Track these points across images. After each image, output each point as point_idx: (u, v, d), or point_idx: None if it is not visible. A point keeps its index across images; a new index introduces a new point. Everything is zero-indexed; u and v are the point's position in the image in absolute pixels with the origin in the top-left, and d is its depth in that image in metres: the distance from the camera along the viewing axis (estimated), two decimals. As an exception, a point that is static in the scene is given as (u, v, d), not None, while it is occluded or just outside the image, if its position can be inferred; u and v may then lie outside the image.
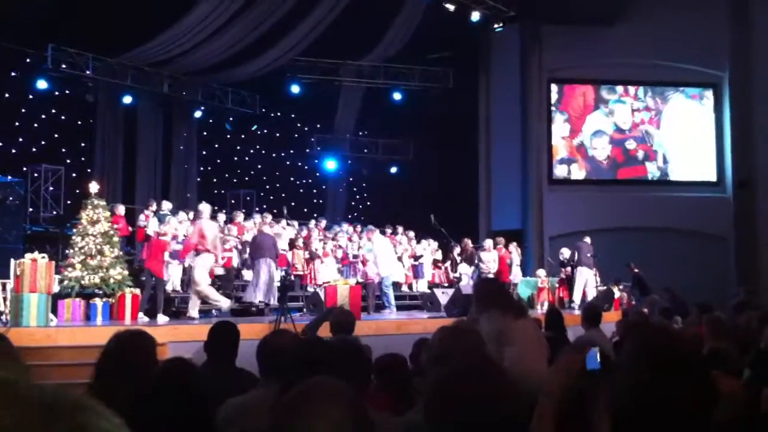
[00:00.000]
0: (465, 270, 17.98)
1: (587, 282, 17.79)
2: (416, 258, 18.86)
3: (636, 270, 18.80)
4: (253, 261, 14.32)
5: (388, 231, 18.59)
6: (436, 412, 1.78)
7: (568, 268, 18.31)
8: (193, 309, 12.41)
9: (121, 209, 15.24)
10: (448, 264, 19.19)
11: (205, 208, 12.92)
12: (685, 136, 24.08)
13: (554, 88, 23.89)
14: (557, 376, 2.20)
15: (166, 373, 2.35)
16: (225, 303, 12.85)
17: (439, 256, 19.37)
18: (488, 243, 17.70)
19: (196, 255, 12.57)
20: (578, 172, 23.84)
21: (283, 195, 23.83)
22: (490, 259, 17.26)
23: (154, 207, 14.54)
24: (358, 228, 18.83)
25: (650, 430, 1.69)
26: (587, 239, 18.29)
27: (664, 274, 18.55)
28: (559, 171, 23.74)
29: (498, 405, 1.70)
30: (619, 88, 24.11)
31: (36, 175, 18.72)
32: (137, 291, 12.85)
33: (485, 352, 3.09)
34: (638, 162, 23.96)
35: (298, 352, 3.00)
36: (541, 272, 18.69)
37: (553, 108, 23.84)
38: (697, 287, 17.16)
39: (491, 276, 16.97)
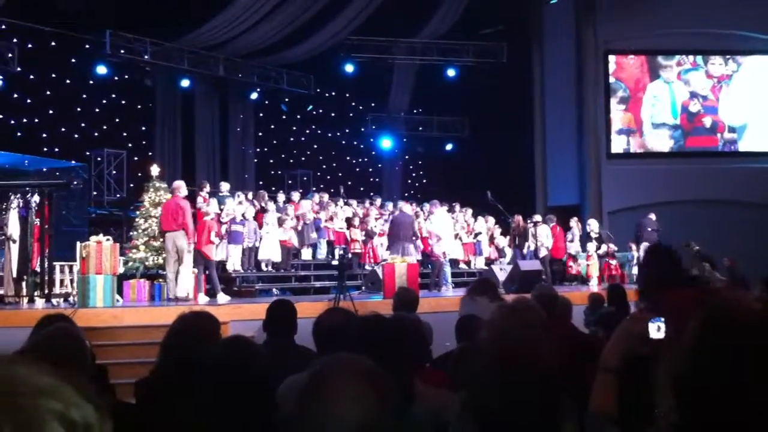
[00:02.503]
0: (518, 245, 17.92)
1: None
2: (474, 235, 18.77)
3: (696, 248, 18.00)
4: (391, 244, 14.71)
5: (445, 208, 18.50)
6: (476, 384, 1.79)
7: (611, 245, 18.06)
8: (181, 289, 11.97)
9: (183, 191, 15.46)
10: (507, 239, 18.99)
11: (180, 184, 12.42)
12: (752, 105, 23.37)
13: (611, 59, 23.41)
14: (614, 348, 2.18)
15: (225, 351, 2.40)
16: (182, 292, 11.94)
17: (497, 232, 19.18)
18: (537, 218, 17.61)
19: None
20: (637, 144, 23.36)
21: (340, 174, 23.94)
22: (543, 234, 17.11)
23: (208, 188, 14.75)
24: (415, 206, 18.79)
25: (710, 398, 1.65)
26: (652, 215, 17.96)
27: (731, 248, 18.07)
28: (618, 143, 23.29)
29: (536, 369, 1.69)
30: (683, 57, 23.48)
31: (99, 159, 19.14)
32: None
33: (544, 328, 3.07)
34: (707, 132, 23.36)
35: (353, 330, 3.03)
36: (591, 247, 18.27)
37: (610, 80, 23.37)
38: (765, 261, 16.71)
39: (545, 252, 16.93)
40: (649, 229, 17.66)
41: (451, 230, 16.33)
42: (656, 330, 2.14)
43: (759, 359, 1.63)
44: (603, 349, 2.22)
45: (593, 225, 18.39)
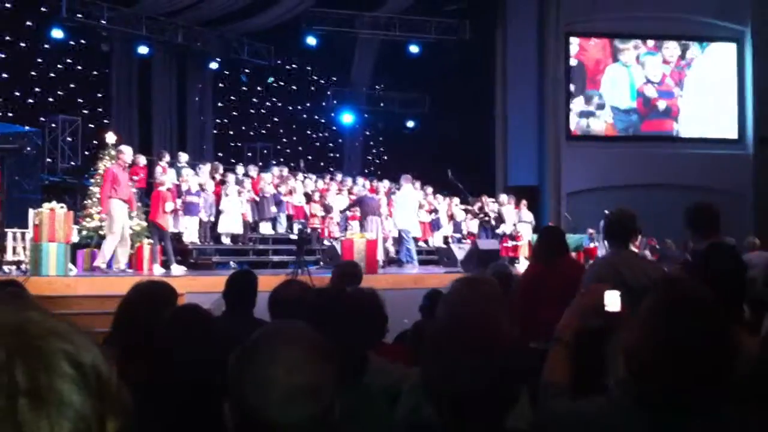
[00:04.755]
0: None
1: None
2: (432, 211, 18.82)
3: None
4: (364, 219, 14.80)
5: (411, 185, 18.52)
6: (427, 356, 1.80)
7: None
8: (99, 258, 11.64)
9: (141, 160, 15.24)
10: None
11: (126, 149, 12.09)
12: (705, 92, 23.73)
13: (573, 40, 23.54)
14: (569, 320, 2.21)
15: (177, 319, 2.36)
16: (97, 261, 11.65)
17: (458, 210, 19.24)
18: (503, 198, 17.70)
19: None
20: (597, 125, 23.59)
21: (300, 148, 23.82)
22: (507, 214, 17.28)
23: (167, 158, 14.51)
24: (374, 183, 18.81)
25: (662, 376, 1.71)
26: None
27: (682, 231, 18.35)
28: (577, 124, 23.50)
29: (485, 355, 1.70)
30: (642, 42, 23.73)
31: (53, 125, 18.75)
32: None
33: (500, 302, 3.08)
34: (662, 115, 23.67)
35: (308, 302, 3.02)
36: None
37: (572, 62, 23.52)
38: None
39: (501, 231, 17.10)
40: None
41: (415, 207, 16.38)
42: (612, 302, 2.17)
43: (709, 334, 1.70)
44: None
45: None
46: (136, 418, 0.86)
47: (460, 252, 15.50)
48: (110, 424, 0.81)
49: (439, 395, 1.73)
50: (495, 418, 1.70)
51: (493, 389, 1.67)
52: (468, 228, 18.72)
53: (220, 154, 21.61)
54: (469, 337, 1.73)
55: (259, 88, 23.93)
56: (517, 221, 18.04)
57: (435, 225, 18.75)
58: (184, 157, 15.73)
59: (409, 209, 15.68)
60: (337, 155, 25.80)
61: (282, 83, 24.57)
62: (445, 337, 1.77)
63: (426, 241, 18.63)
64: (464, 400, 1.68)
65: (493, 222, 17.32)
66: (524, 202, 18.79)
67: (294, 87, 24.91)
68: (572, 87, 23.48)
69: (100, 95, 20.65)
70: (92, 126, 19.29)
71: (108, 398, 0.81)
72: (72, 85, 19.88)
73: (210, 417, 1.80)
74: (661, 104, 23.68)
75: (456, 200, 19.17)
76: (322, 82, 25.28)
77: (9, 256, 11.97)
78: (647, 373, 1.73)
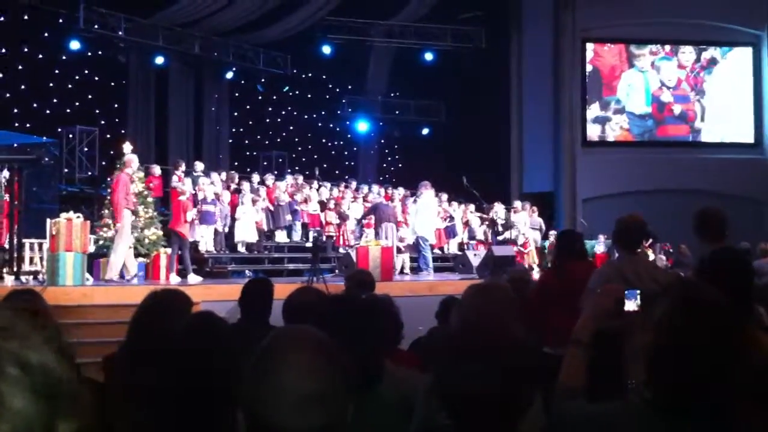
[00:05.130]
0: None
1: None
2: (449, 219, 18.79)
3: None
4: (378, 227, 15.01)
5: (433, 192, 18.53)
6: (441, 362, 1.79)
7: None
8: (111, 269, 11.62)
9: (156, 170, 15.33)
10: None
11: (133, 158, 12.20)
12: (723, 96, 23.60)
13: (588, 47, 23.49)
14: (587, 322, 2.19)
15: (191, 325, 2.36)
16: (111, 273, 11.61)
17: (472, 218, 19.18)
18: (517, 204, 17.70)
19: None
20: (613, 131, 23.50)
21: (315, 156, 23.82)
22: (521, 222, 17.21)
23: (183, 167, 14.59)
24: (390, 190, 18.82)
25: (681, 375, 1.69)
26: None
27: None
28: (593, 130, 23.42)
29: (497, 359, 1.69)
30: (660, 47, 23.65)
31: (71, 136, 18.86)
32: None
33: (514, 309, 3.06)
34: (678, 120, 23.55)
35: (323, 308, 3.01)
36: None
37: (587, 68, 23.46)
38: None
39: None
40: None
41: (434, 214, 16.37)
42: (631, 303, 2.15)
43: (727, 337, 1.68)
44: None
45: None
46: (146, 423, 0.85)
47: (475, 259, 15.46)
48: (62, 426, 0.77)
49: (451, 400, 1.72)
50: (508, 423, 1.69)
51: (506, 394, 1.66)
52: (477, 235, 18.67)
53: (236, 163, 21.69)
54: (481, 342, 1.72)
55: (274, 97, 23.99)
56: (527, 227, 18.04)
57: (450, 232, 18.70)
58: (200, 166, 15.80)
59: (429, 216, 15.66)
60: (352, 163, 25.81)
61: (297, 92, 24.63)
62: (457, 342, 1.77)
63: (441, 248, 18.60)
64: (476, 405, 1.67)
65: (500, 228, 17.25)
66: (534, 208, 18.73)
67: (309, 96, 24.96)
68: (588, 93, 23.42)
69: (117, 105, 20.77)
70: (109, 136, 19.38)
71: (60, 399, 0.77)
72: (89, 96, 19.99)
73: (223, 424, 1.80)
74: (677, 108, 23.56)
75: (471, 207, 19.12)
76: (337, 90, 25.31)
77: (26, 266, 12.07)
78: (663, 376, 1.72)
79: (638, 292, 2.15)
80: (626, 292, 2.18)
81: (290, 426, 1.37)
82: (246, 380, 1.44)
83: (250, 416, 1.42)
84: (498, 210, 18.00)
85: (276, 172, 18.76)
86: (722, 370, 1.68)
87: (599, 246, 18.44)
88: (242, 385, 1.44)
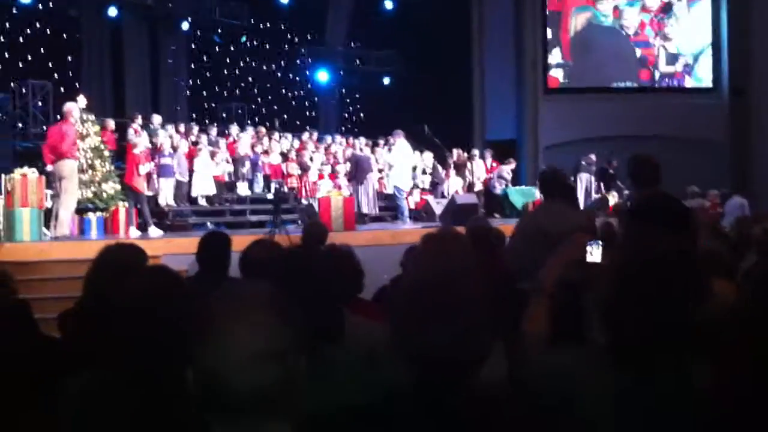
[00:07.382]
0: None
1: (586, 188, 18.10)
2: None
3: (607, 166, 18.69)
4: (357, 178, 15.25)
5: (381, 143, 18.50)
6: (395, 316, 1.76)
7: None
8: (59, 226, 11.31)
9: (110, 124, 15.02)
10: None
11: (73, 107, 11.78)
12: (681, 41, 23.69)
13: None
14: (552, 271, 2.19)
15: (147, 281, 2.31)
16: (60, 230, 11.26)
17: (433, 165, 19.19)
18: (475, 152, 17.82)
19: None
20: (575, 77, 23.47)
21: (275, 107, 23.57)
22: (479, 168, 17.32)
23: (140, 121, 14.31)
24: (351, 140, 18.72)
25: (634, 324, 1.69)
26: (592, 155, 18.36)
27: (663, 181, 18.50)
28: (556, 75, 23.37)
29: (450, 312, 1.66)
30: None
31: (23, 90, 18.40)
32: (129, 205, 12.80)
33: (470, 257, 3.03)
34: (642, 66, 23.63)
35: (279, 261, 2.97)
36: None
37: (548, 13, 23.34)
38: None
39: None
40: (583, 163, 18.04)
41: (409, 162, 16.31)
42: (594, 253, 2.15)
43: (675, 285, 1.66)
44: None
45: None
46: (97, 381, 0.80)
47: (438, 207, 15.51)
48: None
49: (408, 354, 1.69)
50: (464, 375, 1.67)
51: (460, 346, 1.64)
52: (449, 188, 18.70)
53: (194, 116, 21.36)
54: (434, 294, 1.69)
55: (232, 48, 23.62)
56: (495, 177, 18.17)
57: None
58: (157, 119, 15.54)
59: (404, 166, 15.64)
60: (313, 114, 25.59)
61: (255, 43, 24.24)
62: (409, 295, 1.74)
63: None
64: (431, 359, 1.65)
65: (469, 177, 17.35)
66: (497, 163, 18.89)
67: (268, 46, 24.59)
68: (551, 38, 23.32)
69: (70, 59, 20.28)
70: (63, 90, 18.93)
71: None
72: (41, 50, 19.51)
73: (174, 382, 1.75)
74: (637, 52, 23.62)
75: (430, 155, 19.10)
76: (297, 40, 24.97)
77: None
78: (620, 325, 1.72)
79: (600, 243, 2.16)
80: (590, 242, 2.18)
81: (240, 384, 1.34)
82: (195, 338, 1.40)
83: (200, 375, 1.38)
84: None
85: (235, 124, 18.55)
86: (679, 319, 1.68)
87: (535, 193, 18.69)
88: (192, 342, 1.40)
